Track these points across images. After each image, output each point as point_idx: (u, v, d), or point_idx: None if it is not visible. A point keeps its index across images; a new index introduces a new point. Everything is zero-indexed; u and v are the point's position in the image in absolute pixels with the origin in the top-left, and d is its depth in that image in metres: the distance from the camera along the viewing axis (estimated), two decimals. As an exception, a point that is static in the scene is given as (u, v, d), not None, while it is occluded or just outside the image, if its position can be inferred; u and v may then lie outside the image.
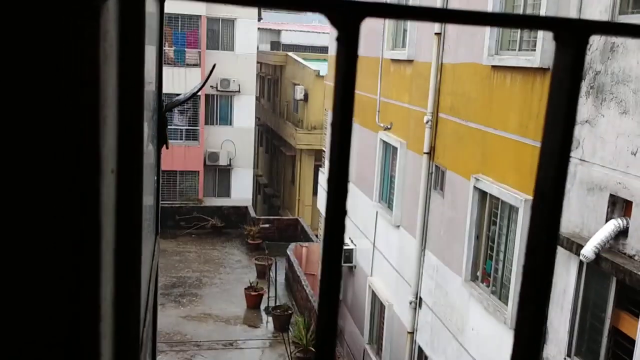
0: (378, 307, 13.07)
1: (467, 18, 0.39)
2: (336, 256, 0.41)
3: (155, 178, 1.94)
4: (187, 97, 3.43)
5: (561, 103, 0.39)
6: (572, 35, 0.39)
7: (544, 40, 7.26)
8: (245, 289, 17.88)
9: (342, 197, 0.39)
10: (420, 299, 10.91)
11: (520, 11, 8.08)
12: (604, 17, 6.30)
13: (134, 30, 0.78)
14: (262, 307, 17.70)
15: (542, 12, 7.28)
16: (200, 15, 25.45)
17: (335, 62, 0.36)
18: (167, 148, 2.00)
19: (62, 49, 0.47)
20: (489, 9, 8.52)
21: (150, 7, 1.58)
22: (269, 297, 17.52)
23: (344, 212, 0.41)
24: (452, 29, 9.90)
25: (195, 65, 25.49)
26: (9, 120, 0.48)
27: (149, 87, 1.71)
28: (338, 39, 0.36)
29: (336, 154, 0.38)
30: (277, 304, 17.16)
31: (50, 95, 0.48)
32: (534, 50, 7.57)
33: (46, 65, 0.47)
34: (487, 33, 8.54)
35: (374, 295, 13.23)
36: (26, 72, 0.47)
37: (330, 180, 0.39)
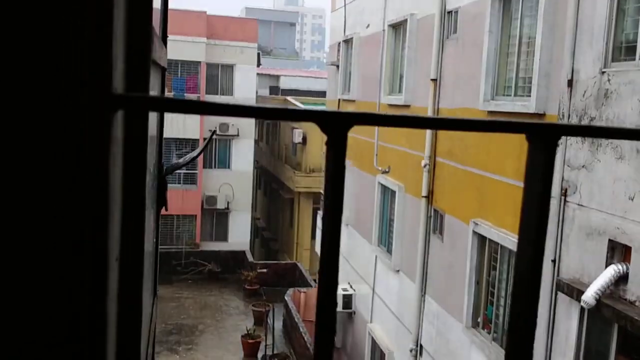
0: (378, 355, 12.84)
1: (444, 124, 0.41)
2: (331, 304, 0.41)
3: (154, 240, 1.93)
4: (186, 161, 3.49)
5: (534, 200, 0.42)
6: (542, 138, 0.42)
7: (539, 86, 7.35)
8: (242, 336, 17.60)
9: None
10: (421, 346, 10.73)
11: (515, 61, 8.22)
12: (597, 65, 6.39)
13: (137, 139, 0.83)
14: (260, 355, 17.39)
15: (536, 61, 7.39)
16: (200, 62, 25.86)
17: (325, 163, 0.38)
18: (166, 210, 2.01)
19: (72, 155, 0.52)
20: (483, 61, 8.65)
21: (152, 79, 1.62)
22: (266, 345, 17.23)
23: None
24: (448, 75, 10.05)
25: (194, 110, 25.72)
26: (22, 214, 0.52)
27: (151, 152, 1.74)
28: (326, 144, 0.38)
29: (325, 254, 0.39)
30: (275, 352, 16.87)
31: (62, 199, 0.53)
32: (529, 96, 7.66)
33: (60, 173, 0.52)
34: (483, 78, 8.66)
35: (374, 343, 13.02)
36: (45, 175, 0.52)
37: (319, 286, 0.39)
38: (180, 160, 3.38)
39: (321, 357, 0.42)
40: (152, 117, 1.71)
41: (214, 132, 4.15)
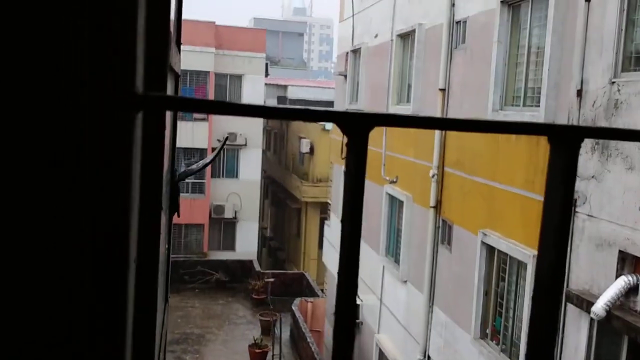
0: (385, 364, 12.77)
1: (465, 126, 0.40)
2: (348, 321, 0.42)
3: (167, 246, 1.94)
4: (199, 167, 3.50)
5: (555, 203, 0.41)
6: (565, 141, 0.41)
7: (548, 96, 7.33)
8: (249, 346, 17.55)
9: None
10: (429, 357, 10.66)
11: (523, 71, 8.21)
12: (607, 75, 6.37)
13: (155, 138, 0.84)
14: (267, 364, 17.33)
15: (545, 71, 7.38)
16: (208, 72, 25.99)
17: (345, 165, 0.38)
18: (178, 216, 2.01)
19: (96, 156, 0.53)
20: (492, 72, 8.65)
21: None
22: (273, 355, 17.16)
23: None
24: (456, 85, 10.04)
25: (202, 119, 25.87)
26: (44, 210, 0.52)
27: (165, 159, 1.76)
28: (347, 145, 0.38)
29: (345, 258, 0.38)
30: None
31: (83, 199, 0.53)
32: (538, 106, 7.64)
33: (87, 177, 0.53)
34: (492, 88, 8.65)
35: (381, 353, 12.95)
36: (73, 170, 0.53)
37: (339, 285, 0.39)
38: (194, 166, 3.40)
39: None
40: (166, 123, 1.74)
41: (226, 139, 4.17)
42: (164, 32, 0.93)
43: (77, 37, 0.51)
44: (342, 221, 0.41)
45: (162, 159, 0.95)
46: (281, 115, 0.41)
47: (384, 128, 12.96)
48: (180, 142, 25.00)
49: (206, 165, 3.72)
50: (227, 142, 26.66)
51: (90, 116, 0.51)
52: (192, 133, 25.46)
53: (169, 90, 1.44)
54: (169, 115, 1.72)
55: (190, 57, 25.11)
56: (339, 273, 0.44)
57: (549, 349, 0.46)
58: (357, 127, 0.39)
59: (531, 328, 0.46)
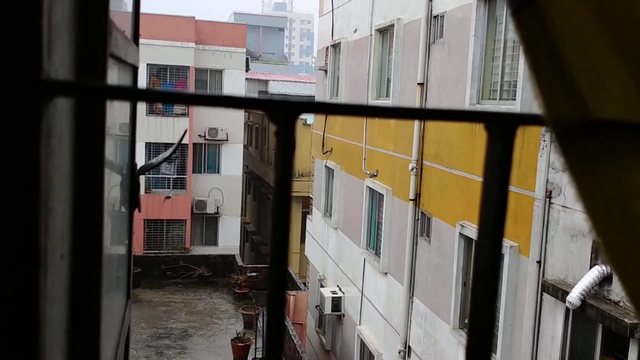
0: (367, 356, 12.88)
1: (399, 113, 0.43)
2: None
3: (127, 241, 1.95)
4: (159, 161, 3.50)
5: (493, 189, 0.43)
6: (501, 127, 0.43)
7: (524, 89, 7.45)
8: (232, 339, 17.57)
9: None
10: (409, 347, 10.78)
11: (500, 64, 8.31)
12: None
13: (91, 127, 0.82)
14: (250, 358, 17.37)
15: (521, 64, 7.49)
16: (188, 67, 25.82)
17: (275, 153, 0.40)
18: (139, 211, 2.03)
19: None
20: (469, 66, 8.74)
21: (122, 79, 1.64)
22: (256, 348, 17.21)
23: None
24: (434, 79, 10.13)
25: (183, 114, 25.71)
26: None
27: (123, 152, 1.76)
28: (276, 134, 0.41)
29: (275, 242, 0.41)
30: (265, 355, 16.83)
31: None
32: (514, 99, 7.75)
33: None
34: (469, 82, 8.75)
35: (362, 344, 13.06)
36: None
37: (270, 273, 0.42)
38: (154, 160, 3.41)
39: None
40: (124, 114, 1.73)
41: (185, 132, 4.16)
42: (101, 20, 0.90)
43: None
44: (272, 211, 0.43)
45: (101, 152, 0.90)
46: (209, 103, 0.41)
47: (364, 122, 13.03)
48: (162, 138, 24.89)
49: (166, 158, 3.70)
50: (209, 137, 26.52)
51: None
52: (173, 128, 25.30)
53: (116, 82, 1.42)
54: (124, 106, 1.71)
55: (170, 52, 24.92)
56: (270, 258, 0.46)
57: (487, 339, 0.45)
58: (285, 114, 0.40)
59: (471, 319, 0.45)
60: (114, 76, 1.37)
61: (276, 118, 0.41)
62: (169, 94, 0.40)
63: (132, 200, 1.91)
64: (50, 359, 0.68)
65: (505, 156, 0.43)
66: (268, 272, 0.43)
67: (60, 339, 0.77)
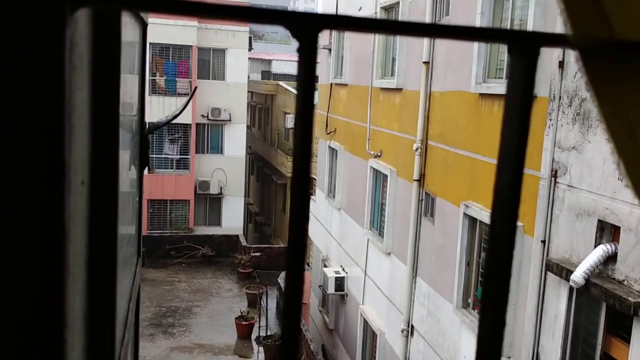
0: (370, 335, 12.96)
1: (418, 30, 0.41)
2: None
3: (137, 199, 1.94)
4: (169, 119, 3.47)
5: (516, 110, 0.42)
6: (524, 47, 0.42)
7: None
8: (236, 318, 17.70)
9: (304, 203, 0.40)
10: (412, 326, 10.84)
11: (508, 22, 8.22)
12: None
13: (109, 44, 0.80)
14: (254, 336, 17.51)
15: (530, 23, 7.39)
16: (191, 46, 25.67)
17: (297, 71, 0.38)
18: (149, 171, 2.02)
19: (23, 57, 0.49)
20: (475, 44, 8.64)
21: (132, 35, 1.61)
22: (259, 327, 17.34)
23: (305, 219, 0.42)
24: (440, 58, 10.05)
25: (186, 94, 25.61)
26: None
27: (131, 109, 1.73)
28: (298, 50, 0.38)
29: (298, 163, 0.40)
30: (269, 333, 16.99)
31: (10, 102, 0.50)
32: (520, 78, 7.67)
33: (6, 72, 0.49)
34: (475, 61, 8.68)
35: (365, 324, 13.13)
36: None
37: (293, 187, 0.41)
38: (163, 119, 3.39)
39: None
40: (133, 82, 1.70)
41: (195, 89, 4.13)
42: None
43: None
44: (294, 139, 0.42)
45: (117, 67, 0.88)
46: (222, 15, 0.38)
47: (368, 102, 12.97)
48: (164, 117, 24.78)
49: (175, 116, 3.68)
50: (212, 118, 26.45)
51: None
52: (176, 107, 25.22)
53: (134, 38, 1.39)
54: (133, 81, 1.69)
55: (173, 31, 24.75)
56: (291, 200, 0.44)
57: (502, 307, 0.43)
58: (307, 29, 0.38)
59: (487, 272, 0.44)
60: (127, 30, 1.35)
61: (299, 32, 0.38)
62: (188, 3, 0.37)
63: (142, 158, 1.89)
64: (73, 274, 0.67)
65: (528, 77, 0.43)
66: (290, 216, 0.41)
67: (81, 255, 0.77)
